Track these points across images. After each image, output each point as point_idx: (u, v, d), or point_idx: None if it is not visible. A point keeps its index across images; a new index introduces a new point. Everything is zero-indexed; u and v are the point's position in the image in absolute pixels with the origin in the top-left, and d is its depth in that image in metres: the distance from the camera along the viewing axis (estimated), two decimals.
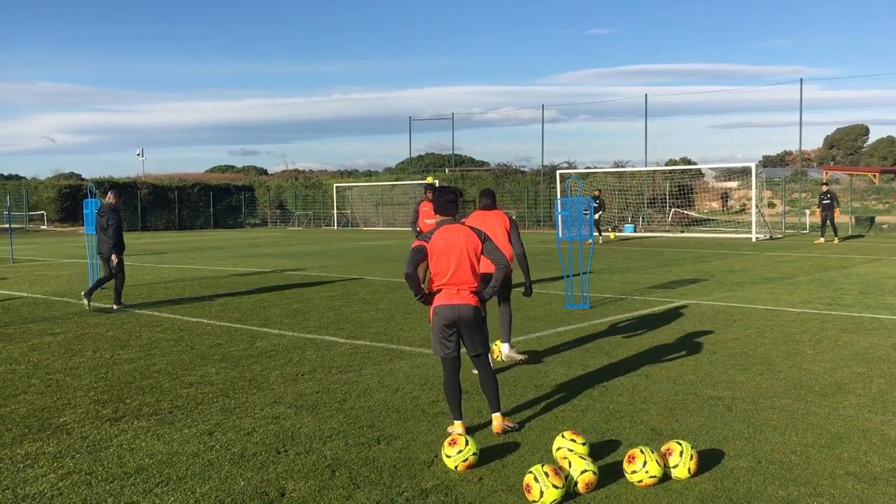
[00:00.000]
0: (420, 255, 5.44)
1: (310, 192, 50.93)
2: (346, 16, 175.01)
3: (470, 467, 4.69)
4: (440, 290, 5.45)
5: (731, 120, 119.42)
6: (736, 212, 41.22)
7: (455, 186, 5.96)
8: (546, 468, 4.25)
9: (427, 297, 5.51)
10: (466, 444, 4.71)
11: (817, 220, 28.70)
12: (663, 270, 16.84)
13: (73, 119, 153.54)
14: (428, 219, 11.96)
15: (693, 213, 37.51)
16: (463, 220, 5.76)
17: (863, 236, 29.29)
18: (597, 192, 27.82)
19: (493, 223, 7.50)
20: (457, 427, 5.37)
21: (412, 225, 12.59)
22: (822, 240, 25.82)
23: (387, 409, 6.02)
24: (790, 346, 8.34)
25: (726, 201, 42.90)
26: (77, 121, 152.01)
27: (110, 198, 12.13)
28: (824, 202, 25.90)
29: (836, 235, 26.07)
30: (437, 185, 11.95)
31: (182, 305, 12.00)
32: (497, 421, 5.42)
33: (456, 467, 4.68)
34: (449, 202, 5.56)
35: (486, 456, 4.93)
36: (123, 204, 46.48)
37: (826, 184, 29.08)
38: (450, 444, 4.75)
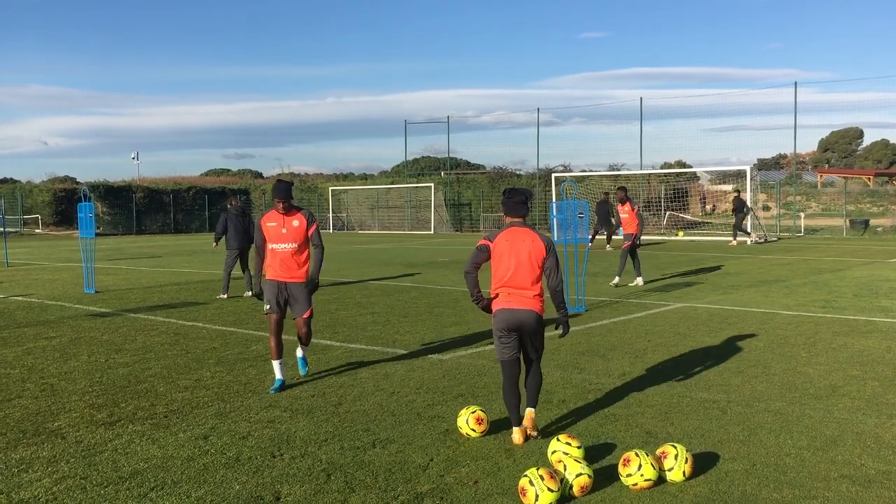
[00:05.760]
0: (483, 255, 5.32)
1: (305, 196, 50.89)
2: (339, 19, 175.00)
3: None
4: (497, 294, 5.33)
5: (725, 123, 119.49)
6: (709, 214, 41.41)
7: (527, 188, 5.68)
8: (541, 471, 4.26)
9: (483, 301, 5.39)
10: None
11: (812, 223, 29.00)
12: (658, 273, 16.87)
13: (67, 122, 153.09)
14: (276, 243, 6.86)
15: (688, 216, 37.59)
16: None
17: None
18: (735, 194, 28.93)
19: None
20: (516, 433, 5.28)
21: (258, 250, 7.05)
22: None
23: (382, 413, 6.02)
24: (785, 348, 8.36)
25: (703, 204, 43.03)
26: (71, 124, 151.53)
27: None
28: None
29: None
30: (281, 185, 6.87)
31: (177, 309, 11.98)
32: (530, 416, 5.35)
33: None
34: (520, 203, 5.39)
35: (481, 459, 4.93)
36: (118, 208, 46.50)
37: None
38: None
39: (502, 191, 5.64)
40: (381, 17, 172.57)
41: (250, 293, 13.39)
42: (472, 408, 5.51)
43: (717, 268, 17.94)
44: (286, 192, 6.87)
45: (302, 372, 7.26)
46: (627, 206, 14.62)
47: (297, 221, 6.88)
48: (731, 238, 27.97)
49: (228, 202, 14.33)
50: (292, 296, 6.90)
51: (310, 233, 6.94)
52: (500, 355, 5.44)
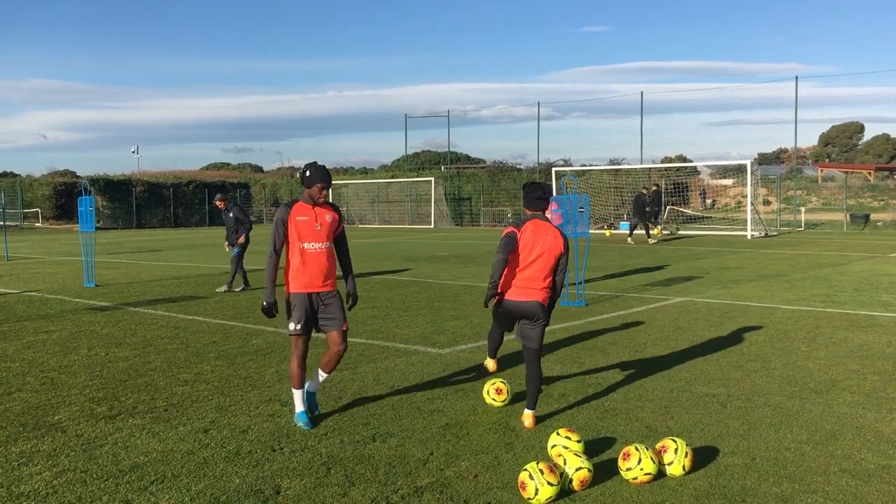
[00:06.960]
0: (513, 243, 5.48)
1: None
2: (340, 13, 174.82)
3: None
4: (509, 288, 5.56)
5: (726, 117, 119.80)
6: (709, 208, 41.36)
7: (546, 184, 5.79)
8: (541, 465, 4.26)
9: (497, 292, 5.60)
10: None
11: (812, 218, 28.83)
12: (658, 267, 16.87)
13: (67, 116, 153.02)
14: (307, 241, 5.55)
15: (689, 211, 37.56)
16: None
17: None
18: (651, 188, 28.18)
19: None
20: (490, 362, 6.18)
21: (276, 252, 5.66)
22: None
23: (382, 407, 6.02)
24: (785, 343, 8.36)
25: (704, 198, 43.00)
26: (71, 118, 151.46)
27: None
28: None
29: None
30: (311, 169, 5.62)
31: (177, 303, 11.98)
32: (529, 419, 5.52)
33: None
34: (539, 198, 5.64)
35: (481, 453, 4.94)
36: (118, 202, 46.49)
37: None
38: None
39: (522, 185, 5.85)
40: (381, 10, 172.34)
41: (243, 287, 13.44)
42: (493, 380, 6.09)
43: (661, 267, 17.92)
44: (329, 176, 5.57)
45: (302, 422, 5.56)
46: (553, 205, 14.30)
47: (329, 216, 5.63)
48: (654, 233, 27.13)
49: (232, 199, 14.34)
50: (327, 308, 5.68)
51: (337, 232, 5.73)
52: (495, 322, 5.96)
